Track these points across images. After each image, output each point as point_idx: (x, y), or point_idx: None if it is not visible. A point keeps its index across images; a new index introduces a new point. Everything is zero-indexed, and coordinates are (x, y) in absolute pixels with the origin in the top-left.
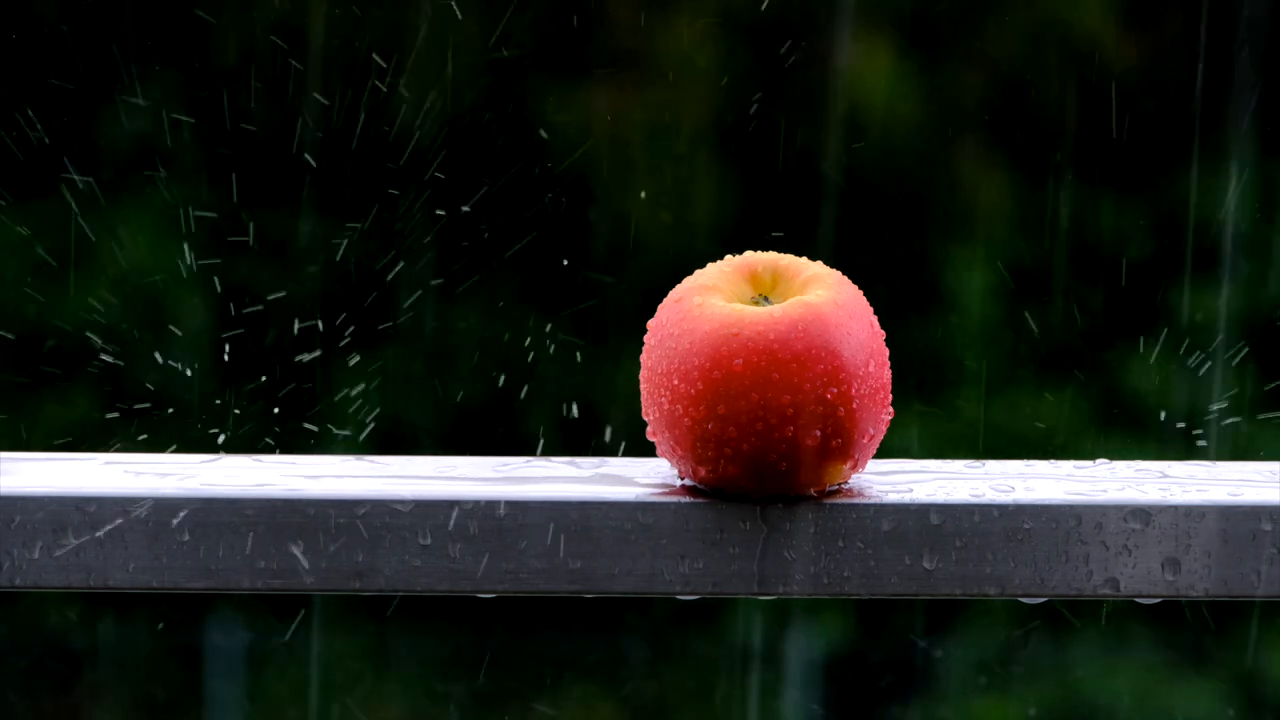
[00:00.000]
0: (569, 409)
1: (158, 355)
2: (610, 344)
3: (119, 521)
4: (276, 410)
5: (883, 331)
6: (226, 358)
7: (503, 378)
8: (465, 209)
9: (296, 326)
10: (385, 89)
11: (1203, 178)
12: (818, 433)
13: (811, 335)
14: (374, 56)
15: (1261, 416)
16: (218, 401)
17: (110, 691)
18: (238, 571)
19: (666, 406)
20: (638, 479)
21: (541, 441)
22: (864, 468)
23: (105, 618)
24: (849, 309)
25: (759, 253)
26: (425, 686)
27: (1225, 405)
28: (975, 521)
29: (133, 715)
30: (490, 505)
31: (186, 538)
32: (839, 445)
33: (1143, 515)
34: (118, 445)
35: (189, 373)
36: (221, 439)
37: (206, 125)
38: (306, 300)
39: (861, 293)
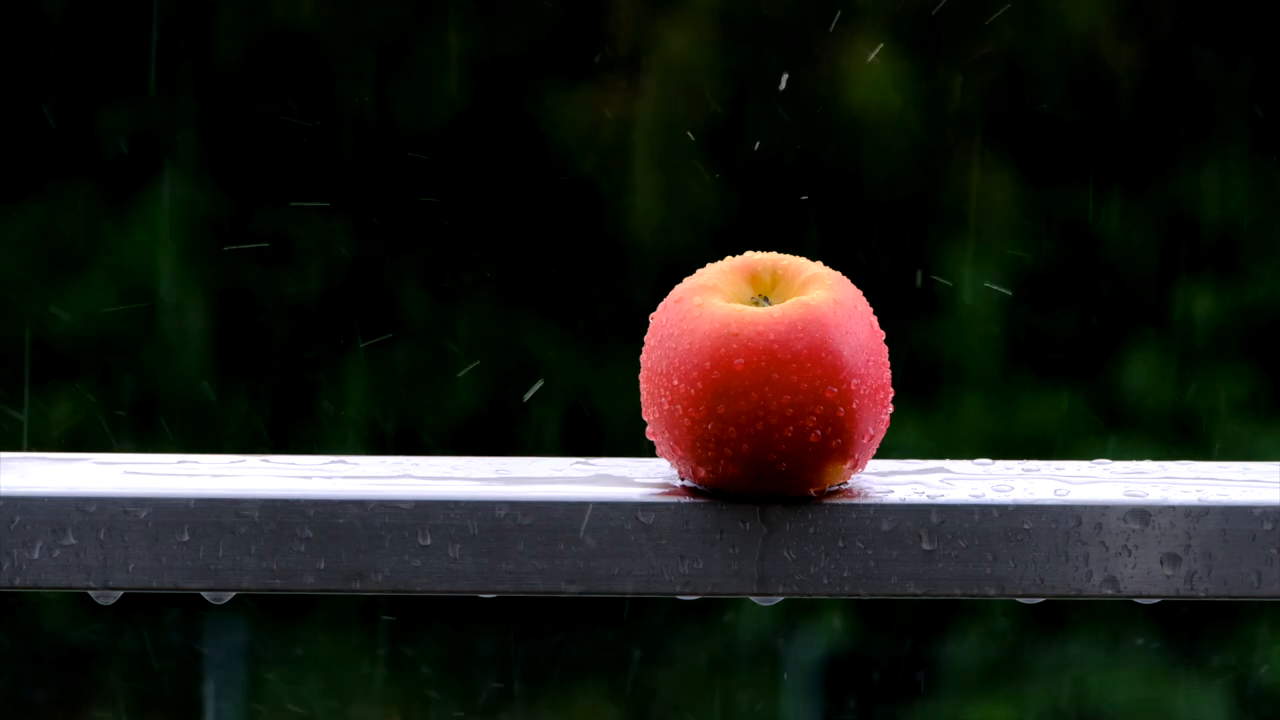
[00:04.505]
0: (569, 409)
1: (158, 355)
2: (610, 344)
3: (119, 521)
4: (277, 410)
5: (882, 331)
6: (227, 357)
7: (502, 378)
8: (466, 209)
9: (298, 326)
10: (386, 89)
11: (1203, 177)
12: (818, 433)
13: (811, 335)
14: (375, 56)
15: (1261, 416)
16: (218, 401)
17: (110, 691)
18: (238, 571)
19: (666, 406)
20: (638, 479)
21: (541, 442)
22: (864, 468)
23: (105, 618)
24: (849, 309)
25: (759, 253)
26: (425, 686)
27: (1225, 405)
28: (975, 521)
29: (133, 715)
30: (490, 505)
31: (186, 538)
32: (839, 445)
33: (1143, 515)
34: (118, 445)
35: (189, 372)
36: (222, 439)
37: (209, 124)
38: (308, 300)
39: (861, 293)
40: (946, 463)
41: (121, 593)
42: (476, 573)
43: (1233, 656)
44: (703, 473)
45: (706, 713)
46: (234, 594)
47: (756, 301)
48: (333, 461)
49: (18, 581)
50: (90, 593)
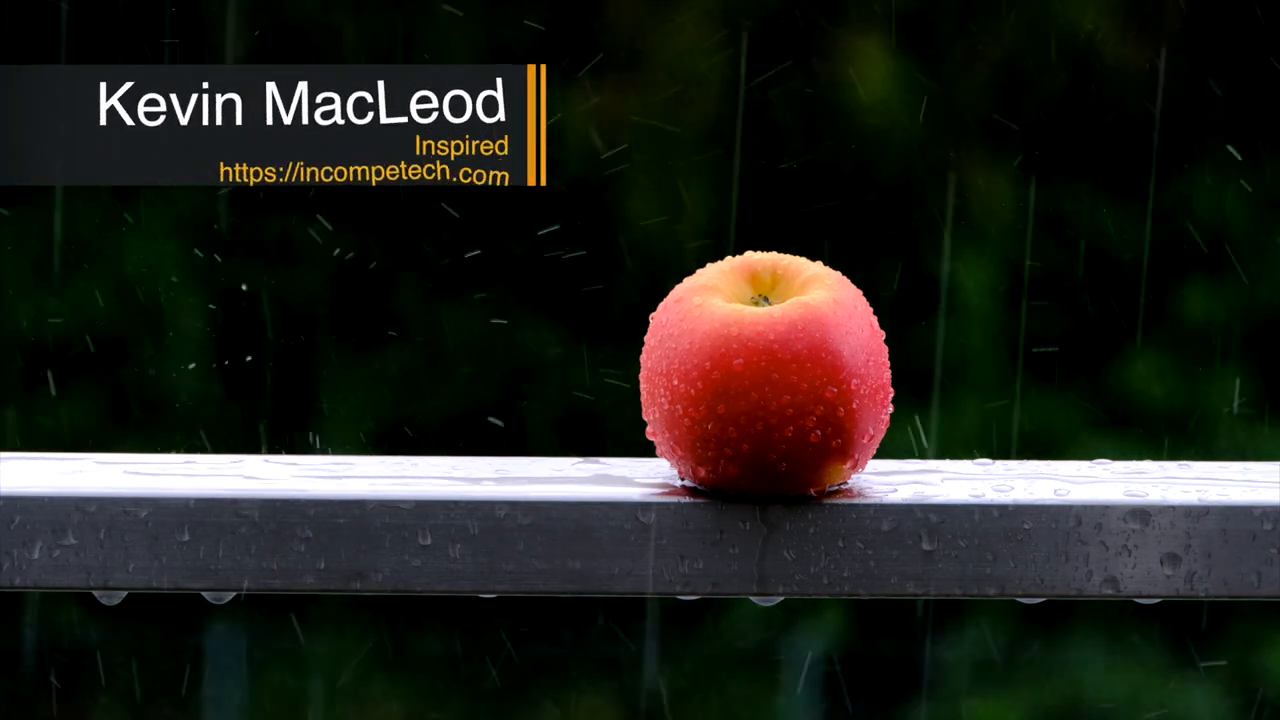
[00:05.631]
0: (569, 409)
1: (157, 355)
2: (610, 344)
3: (119, 521)
4: (276, 410)
5: (882, 331)
6: (226, 357)
7: (502, 378)
8: (465, 208)
9: (296, 326)
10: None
11: (1203, 177)
12: (818, 433)
13: (811, 335)
14: (374, 51)
15: (1261, 417)
16: (218, 401)
17: (110, 691)
18: (238, 571)
19: (666, 406)
20: (638, 479)
21: (541, 442)
22: (864, 468)
23: (105, 618)
24: (849, 309)
25: (759, 253)
26: (425, 687)
27: (1225, 405)
28: (975, 521)
29: (133, 715)
30: (490, 505)
31: (186, 538)
32: (839, 445)
33: (1143, 515)
34: (118, 445)
35: (189, 372)
36: (221, 439)
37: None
38: (307, 300)
39: (861, 293)
40: (946, 463)
41: (125, 593)
42: (476, 573)
43: (1233, 656)
44: (703, 473)
45: (706, 713)
46: (234, 594)
47: (756, 301)
48: (333, 461)
49: (18, 581)
50: (94, 593)
